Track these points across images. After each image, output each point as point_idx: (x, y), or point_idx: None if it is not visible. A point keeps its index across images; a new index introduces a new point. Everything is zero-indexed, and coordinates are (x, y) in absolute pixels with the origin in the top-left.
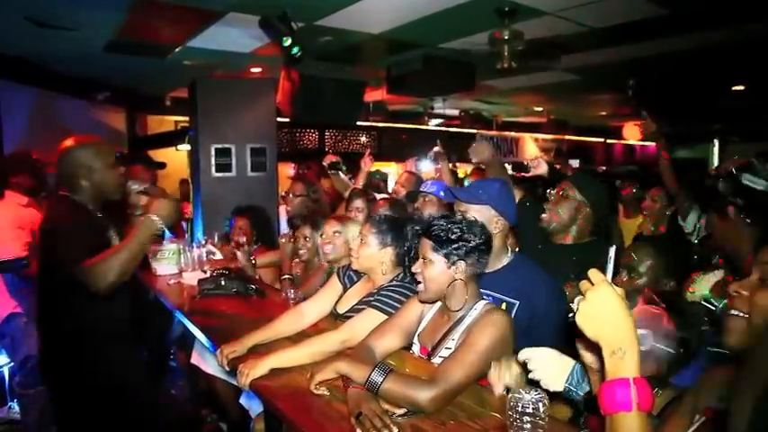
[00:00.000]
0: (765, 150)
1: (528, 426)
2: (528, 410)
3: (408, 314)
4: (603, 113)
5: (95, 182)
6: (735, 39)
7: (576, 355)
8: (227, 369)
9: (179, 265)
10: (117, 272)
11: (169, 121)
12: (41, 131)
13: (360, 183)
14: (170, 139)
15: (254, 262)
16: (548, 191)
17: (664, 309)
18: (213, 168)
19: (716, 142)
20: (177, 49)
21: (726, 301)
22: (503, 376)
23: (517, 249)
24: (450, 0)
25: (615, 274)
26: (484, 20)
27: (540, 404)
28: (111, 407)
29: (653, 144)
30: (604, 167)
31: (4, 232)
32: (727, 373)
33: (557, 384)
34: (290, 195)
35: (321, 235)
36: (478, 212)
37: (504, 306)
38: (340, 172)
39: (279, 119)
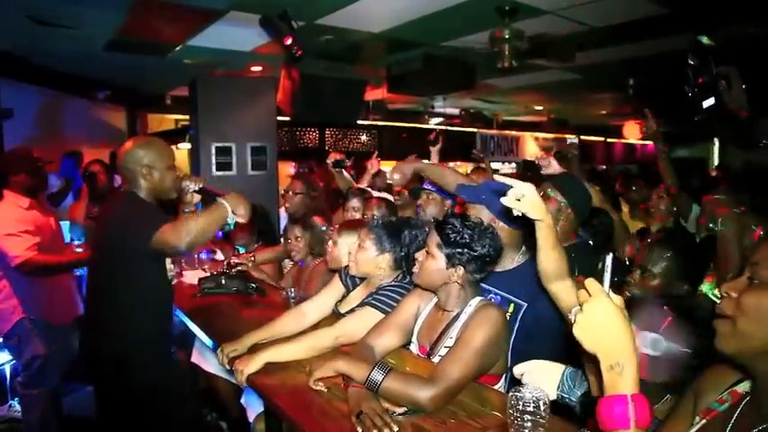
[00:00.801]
0: None
1: (529, 424)
2: (529, 409)
3: (405, 311)
4: (604, 112)
5: (155, 180)
6: (736, 38)
7: (578, 363)
8: (228, 368)
9: (180, 265)
10: (195, 233)
11: (169, 120)
12: (42, 130)
13: (364, 183)
14: (170, 137)
15: (252, 260)
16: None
17: (672, 310)
18: (214, 167)
19: (716, 142)
20: (178, 48)
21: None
22: None
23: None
24: None
25: (614, 281)
26: (484, 19)
27: (541, 402)
28: (152, 404)
29: (652, 143)
30: (604, 166)
31: (6, 233)
32: (728, 372)
33: (550, 393)
34: (290, 193)
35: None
36: (478, 212)
37: (511, 307)
38: (343, 170)
39: (279, 117)
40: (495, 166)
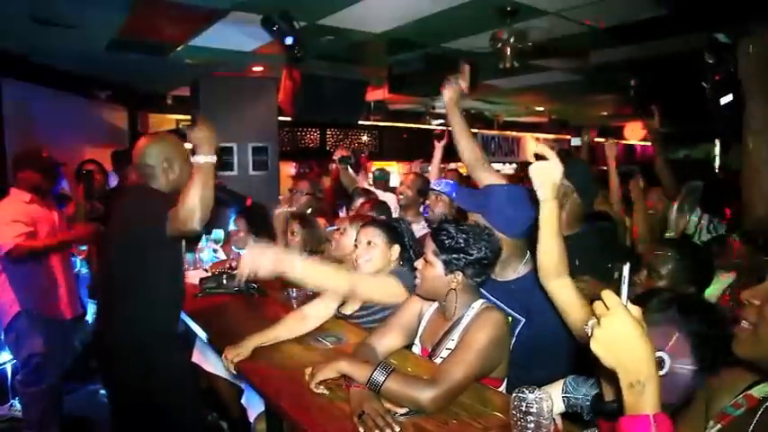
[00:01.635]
0: None
1: (531, 425)
2: (531, 410)
3: (408, 313)
4: (605, 113)
5: (174, 175)
6: (736, 38)
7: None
8: (234, 373)
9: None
10: (198, 206)
11: (170, 120)
12: (43, 129)
13: (363, 183)
14: None
15: None
16: None
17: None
18: None
19: (717, 142)
20: (179, 48)
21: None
22: None
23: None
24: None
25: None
26: (486, 20)
27: (544, 404)
28: (163, 406)
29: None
30: (605, 167)
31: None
32: (742, 375)
33: (556, 402)
34: (297, 193)
35: (355, 246)
36: (477, 219)
37: (509, 320)
38: (349, 167)
39: (280, 118)
40: (495, 166)
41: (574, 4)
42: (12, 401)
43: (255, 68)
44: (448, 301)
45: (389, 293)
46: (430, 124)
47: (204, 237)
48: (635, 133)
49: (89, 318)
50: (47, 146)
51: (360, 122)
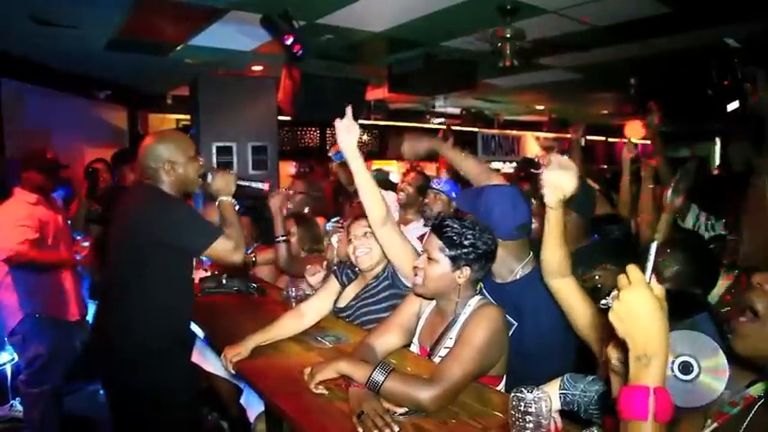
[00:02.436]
0: None
1: (530, 425)
2: (530, 409)
3: (407, 312)
4: (605, 112)
5: (179, 174)
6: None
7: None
8: (234, 373)
9: None
10: (241, 242)
11: (170, 120)
12: (43, 129)
13: None
14: None
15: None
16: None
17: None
18: (214, 166)
19: (717, 141)
20: (179, 48)
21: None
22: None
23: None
24: None
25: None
26: (485, 18)
27: (543, 403)
28: (162, 409)
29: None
30: (605, 166)
31: (6, 229)
32: (739, 375)
33: (554, 401)
34: (292, 193)
35: (350, 240)
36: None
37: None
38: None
39: (280, 117)
40: (495, 166)
41: (574, 2)
42: (12, 402)
43: (255, 68)
44: (450, 298)
45: (405, 256)
46: (430, 123)
47: None
48: (635, 132)
49: (89, 318)
50: (48, 147)
51: (360, 122)
